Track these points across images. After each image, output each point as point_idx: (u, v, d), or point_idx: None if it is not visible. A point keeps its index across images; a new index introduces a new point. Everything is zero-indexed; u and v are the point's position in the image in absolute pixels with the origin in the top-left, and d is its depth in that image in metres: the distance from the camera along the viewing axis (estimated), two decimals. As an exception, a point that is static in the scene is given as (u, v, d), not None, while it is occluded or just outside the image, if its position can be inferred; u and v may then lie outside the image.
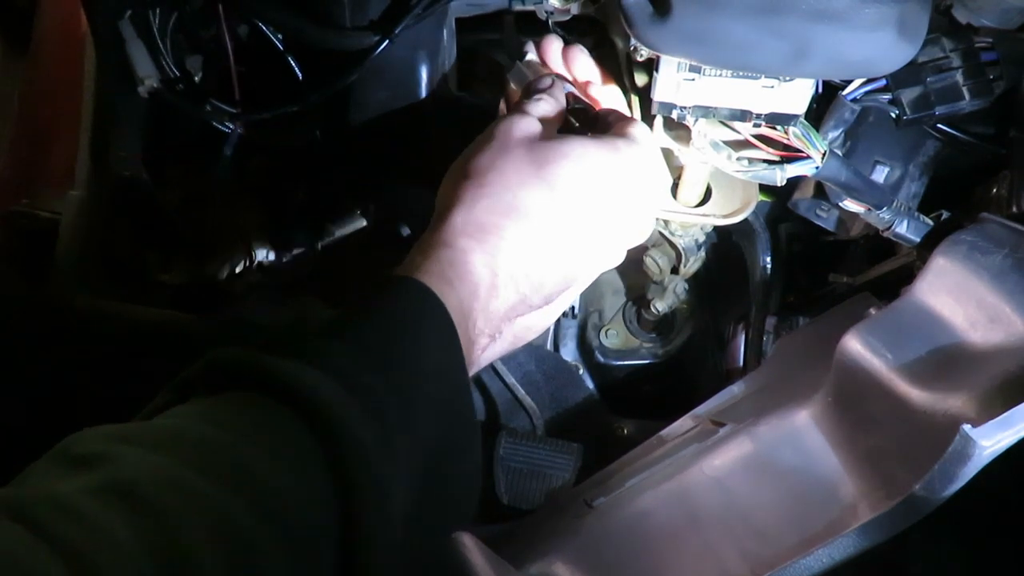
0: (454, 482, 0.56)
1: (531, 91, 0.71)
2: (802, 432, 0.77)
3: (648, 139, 0.72)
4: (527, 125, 0.66)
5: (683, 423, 0.90)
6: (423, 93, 0.75)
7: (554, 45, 0.76)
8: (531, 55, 0.77)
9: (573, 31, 0.84)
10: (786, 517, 0.72)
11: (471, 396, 0.58)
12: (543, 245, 0.63)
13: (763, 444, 0.78)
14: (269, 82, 0.77)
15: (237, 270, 1.04)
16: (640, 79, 0.80)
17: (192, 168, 0.94)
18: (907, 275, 0.75)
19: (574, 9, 0.77)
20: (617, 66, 0.81)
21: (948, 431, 0.58)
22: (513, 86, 0.76)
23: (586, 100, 0.76)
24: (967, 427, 0.57)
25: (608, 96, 0.75)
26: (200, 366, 0.49)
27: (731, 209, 0.88)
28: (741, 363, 1.01)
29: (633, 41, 0.69)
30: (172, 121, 0.88)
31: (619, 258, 0.71)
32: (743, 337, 1.01)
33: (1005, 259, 0.68)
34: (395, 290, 0.57)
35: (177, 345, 0.90)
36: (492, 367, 1.03)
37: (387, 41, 0.72)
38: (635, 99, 0.81)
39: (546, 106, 0.69)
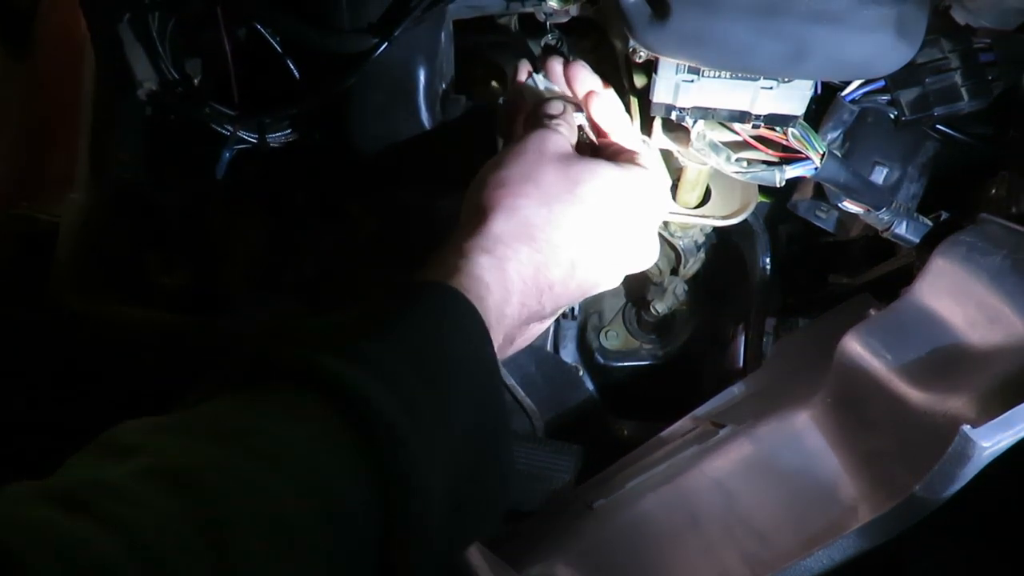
0: (488, 481, 0.56)
1: (545, 115, 0.72)
2: (802, 433, 0.77)
3: (656, 166, 0.74)
4: (561, 142, 0.68)
5: (683, 424, 0.91)
6: (421, 96, 0.75)
7: (557, 68, 0.77)
8: (535, 76, 0.78)
9: (572, 33, 0.84)
10: (786, 518, 0.72)
11: (504, 398, 0.59)
12: (569, 259, 0.64)
13: (763, 445, 0.78)
14: (268, 85, 0.76)
15: (236, 273, 1.04)
16: (639, 80, 0.80)
17: (191, 171, 0.94)
18: (906, 276, 0.75)
19: (573, 11, 0.77)
20: (616, 68, 0.81)
21: (948, 432, 0.58)
22: (525, 98, 0.76)
23: (590, 130, 0.76)
24: (967, 428, 0.57)
25: (610, 111, 0.75)
26: (239, 360, 0.50)
27: (730, 210, 0.88)
28: (741, 364, 1.01)
29: (632, 43, 0.69)
30: (171, 124, 0.88)
31: (620, 279, 0.72)
32: (743, 338, 1.01)
33: (1004, 260, 0.68)
34: (434, 294, 0.57)
35: (176, 348, 0.90)
36: None
37: (386, 44, 0.71)
38: (634, 100, 0.81)
39: (567, 128, 0.71)
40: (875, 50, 0.58)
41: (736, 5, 0.57)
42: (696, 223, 0.91)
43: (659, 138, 0.80)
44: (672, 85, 0.70)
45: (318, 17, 0.72)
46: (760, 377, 0.90)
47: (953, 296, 0.70)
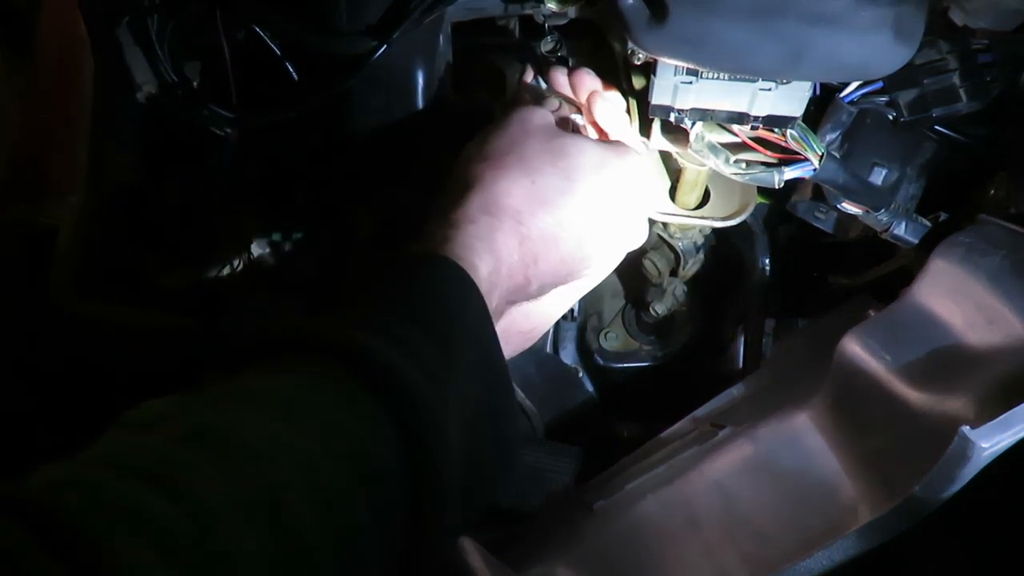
0: (496, 442, 0.57)
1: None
2: (801, 434, 0.77)
3: (644, 152, 0.75)
4: (544, 117, 0.69)
5: (683, 425, 0.91)
6: (420, 98, 0.75)
7: (561, 78, 0.78)
8: (538, 79, 0.79)
9: (571, 35, 0.84)
10: (786, 519, 0.72)
11: (505, 363, 0.59)
12: (554, 232, 0.64)
13: (763, 447, 0.78)
14: (267, 87, 0.76)
15: (236, 275, 1.04)
16: (638, 82, 0.80)
17: (191, 173, 0.94)
18: (906, 277, 0.75)
19: (571, 13, 0.77)
20: (615, 70, 0.81)
21: (947, 433, 0.59)
22: (528, 96, 0.77)
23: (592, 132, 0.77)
24: (966, 428, 0.57)
25: (612, 112, 0.76)
26: (256, 339, 0.50)
27: (729, 211, 0.88)
28: (740, 365, 1.01)
29: (630, 45, 0.69)
30: (171, 127, 0.88)
31: (616, 261, 0.72)
32: (742, 339, 1.01)
33: (1003, 261, 0.68)
34: (431, 265, 0.58)
35: (176, 349, 0.90)
36: None
37: (385, 46, 0.71)
38: (633, 102, 0.81)
39: (557, 112, 0.73)
40: (873, 51, 0.58)
41: (734, 7, 0.57)
42: (695, 224, 0.91)
43: (658, 140, 0.80)
44: (671, 87, 0.70)
45: (317, 19, 0.72)
46: (759, 378, 0.91)
47: (952, 297, 0.70)
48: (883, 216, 0.76)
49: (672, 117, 0.74)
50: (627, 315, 1.12)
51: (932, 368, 0.68)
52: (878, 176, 0.76)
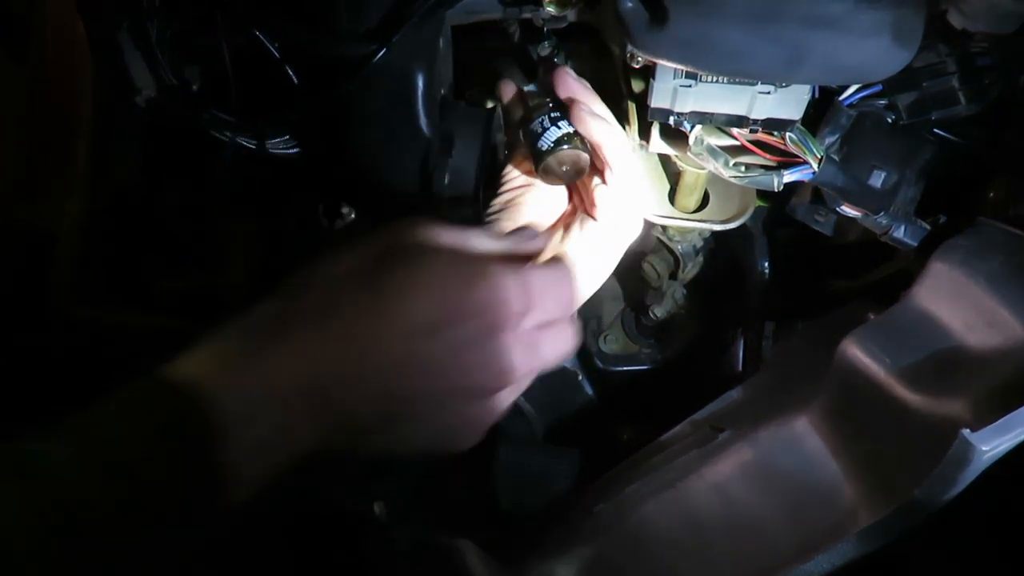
0: None
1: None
2: (801, 438, 0.77)
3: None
4: (435, 242, 0.56)
5: (683, 429, 0.91)
6: (420, 102, 0.75)
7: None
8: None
9: (570, 38, 0.84)
10: (786, 522, 0.72)
11: None
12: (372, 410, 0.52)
13: (763, 450, 0.78)
14: (267, 91, 0.77)
15: (237, 276, 1.04)
16: (637, 86, 0.80)
17: (191, 176, 0.94)
18: (905, 279, 0.75)
19: (570, 16, 0.77)
20: (614, 73, 0.81)
21: (947, 436, 0.59)
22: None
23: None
24: (966, 432, 0.57)
25: (593, 121, 0.71)
26: None
27: (729, 214, 0.88)
28: (740, 368, 1.01)
29: (629, 48, 0.69)
30: (170, 130, 0.89)
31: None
32: (742, 342, 1.01)
33: (1002, 264, 0.68)
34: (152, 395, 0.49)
35: (177, 352, 0.90)
36: None
37: (384, 49, 0.72)
38: (632, 106, 0.82)
39: (491, 244, 0.59)
40: (872, 54, 0.58)
41: (733, 10, 0.57)
42: (694, 227, 0.91)
43: (657, 143, 0.80)
44: (670, 90, 0.70)
45: (316, 23, 0.73)
46: (759, 381, 0.91)
47: (951, 300, 0.70)
48: (882, 219, 0.76)
49: (671, 120, 0.74)
50: (627, 318, 1.12)
51: (932, 371, 0.68)
52: (877, 179, 0.76)
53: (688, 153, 0.76)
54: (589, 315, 1.14)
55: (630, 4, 0.60)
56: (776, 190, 0.72)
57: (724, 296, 1.06)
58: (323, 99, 0.74)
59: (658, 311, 1.04)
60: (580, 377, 1.13)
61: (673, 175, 0.90)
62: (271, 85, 0.76)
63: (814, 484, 0.73)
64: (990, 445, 0.56)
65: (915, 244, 0.77)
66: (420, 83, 0.75)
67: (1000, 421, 0.57)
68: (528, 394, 1.02)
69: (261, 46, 0.74)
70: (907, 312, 0.73)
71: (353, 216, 0.95)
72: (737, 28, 0.58)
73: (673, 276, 1.01)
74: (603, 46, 0.81)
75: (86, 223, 0.94)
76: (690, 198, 0.88)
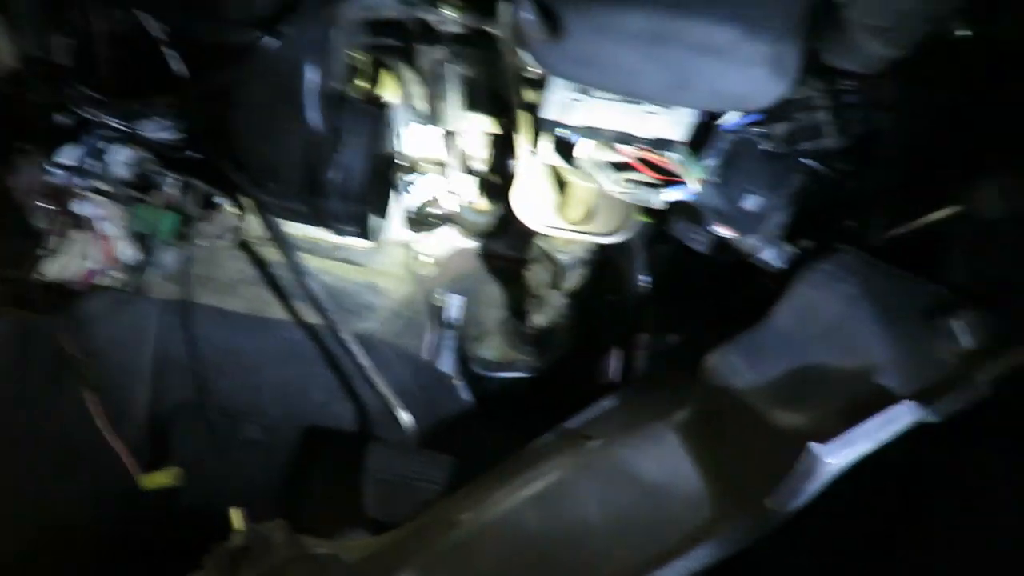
0: None
1: None
2: (665, 447, 0.79)
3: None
4: None
5: (552, 436, 0.92)
6: (308, 95, 0.74)
7: None
8: None
9: (466, 43, 0.85)
10: (648, 529, 0.74)
11: None
12: None
13: (627, 458, 0.80)
14: (144, 72, 0.73)
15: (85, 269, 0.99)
16: (530, 96, 0.81)
17: (44, 157, 0.89)
18: (770, 298, 0.79)
19: (468, 21, 0.77)
20: (507, 80, 0.82)
21: (797, 448, 0.62)
22: None
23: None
24: (814, 445, 0.60)
25: None
26: None
27: (612, 228, 0.91)
28: (615, 377, 1.04)
29: (525, 58, 0.70)
30: (28, 106, 0.83)
31: None
32: (618, 352, 1.04)
33: (858, 288, 0.72)
34: None
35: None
36: (364, 375, 1.02)
37: (270, 37, 0.70)
38: (523, 115, 0.83)
39: None
40: (752, 84, 0.61)
41: (628, 31, 0.59)
42: (579, 239, 0.93)
43: (546, 154, 0.81)
44: (561, 103, 0.71)
45: (202, 7, 0.70)
46: (631, 391, 0.93)
47: (810, 320, 0.74)
48: (752, 240, 0.80)
49: (561, 133, 0.76)
50: (507, 325, 1.13)
51: (788, 387, 0.72)
52: (750, 202, 0.79)
53: (576, 166, 0.77)
54: (469, 321, 1.14)
55: (528, 16, 0.60)
56: (658, 207, 0.74)
57: (603, 307, 1.08)
58: (206, 85, 0.72)
59: (538, 319, 1.06)
60: (458, 382, 1.13)
61: (561, 186, 0.91)
62: (150, 68, 0.73)
63: (676, 492, 0.75)
64: (835, 457, 0.60)
65: (781, 266, 0.80)
66: (309, 75, 0.74)
67: (844, 435, 0.61)
68: (404, 398, 1.02)
69: (141, 26, 0.71)
70: (769, 330, 0.77)
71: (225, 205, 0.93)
72: (631, 49, 0.60)
73: (555, 285, 1.03)
74: (498, 52, 0.82)
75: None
76: (576, 210, 0.90)
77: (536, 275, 1.02)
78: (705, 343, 0.81)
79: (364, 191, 0.76)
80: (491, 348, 1.13)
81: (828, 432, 0.62)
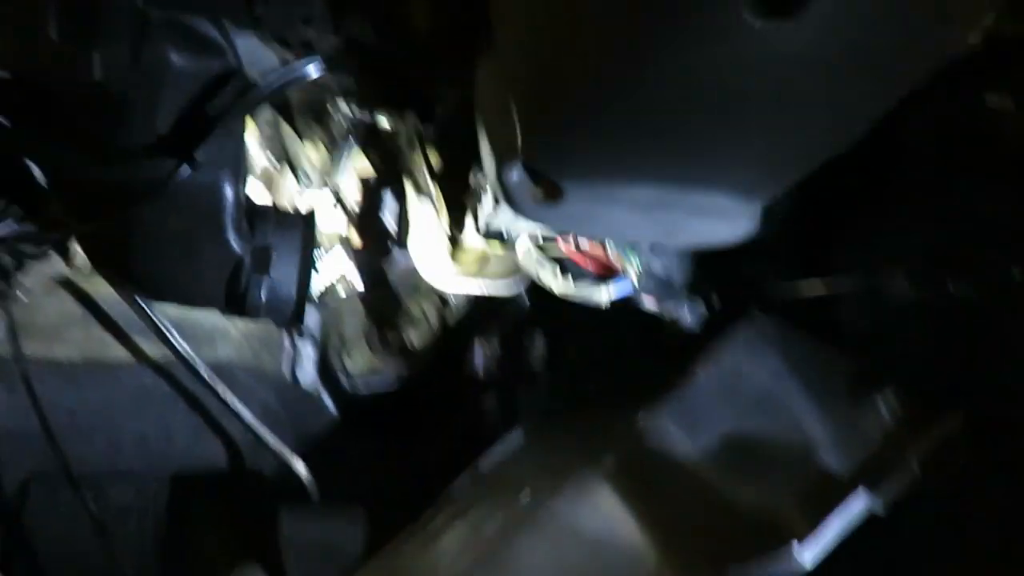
0: None
1: None
2: (598, 496, 0.81)
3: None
4: None
5: (470, 481, 0.91)
6: (229, 217, 0.64)
7: None
8: None
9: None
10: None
11: None
12: None
13: (566, 512, 0.80)
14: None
15: None
16: (437, 160, 0.76)
17: None
18: (691, 353, 0.82)
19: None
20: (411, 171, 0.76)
21: (764, 534, 0.67)
22: None
23: None
24: (797, 545, 0.65)
25: None
26: None
27: (505, 273, 0.89)
28: (481, 370, 1.04)
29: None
30: None
31: None
32: (482, 343, 1.04)
33: (781, 360, 0.77)
34: None
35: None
36: (228, 407, 0.95)
37: (186, 166, 0.59)
38: (435, 187, 0.78)
39: None
40: (737, 234, 0.62)
41: (630, 199, 0.56)
42: (471, 291, 0.91)
43: (474, 239, 0.78)
44: (514, 220, 0.68)
45: (97, 144, 0.57)
46: (536, 428, 0.93)
47: (736, 389, 0.78)
48: (668, 304, 0.82)
49: (496, 227, 0.72)
50: (371, 335, 1.09)
51: (729, 457, 0.76)
52: (656, 266, 0.81)
53: (519, 261, 0.75)
54: (331, 331, 1.09)
55: (517, 178, 0.56)
56: (603, 306, 0.74)
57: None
58: (107, 225, 0.60)
59: (412, 335, 1.03)
60: (323, 397, 1.09)
61: (452, 235, 0.88)
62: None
63: (619, 545, 0.78)
64: (811, 555, 0.66)
65: (695, 326, 0.84)
66: (229, 196, 0.64)
67: (817, 532, 0.66)
68: (269, 422, 0.96)
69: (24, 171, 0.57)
70: (698, 394, 0.79)
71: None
72: (629, 213, 0.58)
73: (441, 317, 1.01)
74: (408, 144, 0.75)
75: None
76: (471, 257, 0.87)
77: (423, 309, 0.99)
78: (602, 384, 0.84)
79: (300, 304, 0.69)
80: (357, 359, 1.09)
81: (791, 519, 0.67)
